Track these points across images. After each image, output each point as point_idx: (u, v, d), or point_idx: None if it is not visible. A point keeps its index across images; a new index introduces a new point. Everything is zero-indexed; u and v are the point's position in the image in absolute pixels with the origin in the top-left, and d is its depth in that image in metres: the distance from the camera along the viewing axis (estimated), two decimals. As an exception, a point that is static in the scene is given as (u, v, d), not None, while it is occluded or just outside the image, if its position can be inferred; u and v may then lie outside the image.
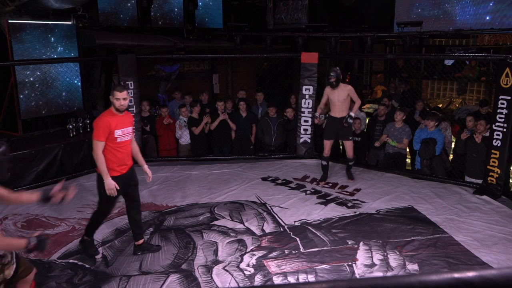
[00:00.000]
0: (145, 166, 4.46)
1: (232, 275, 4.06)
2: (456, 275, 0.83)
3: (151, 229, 4.97)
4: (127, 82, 7.21)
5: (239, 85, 10.85)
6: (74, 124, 7.12)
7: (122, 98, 4.07)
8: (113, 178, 4.09)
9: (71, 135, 7.05)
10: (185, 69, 10.58)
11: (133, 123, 4.34)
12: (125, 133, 4.16)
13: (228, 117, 7.48)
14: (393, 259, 4.30)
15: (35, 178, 6.38)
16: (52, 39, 7.45)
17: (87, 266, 4.25)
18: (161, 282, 3.96)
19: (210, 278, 4.02)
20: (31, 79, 7.24)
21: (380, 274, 4.07)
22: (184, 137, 7.54)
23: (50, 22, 7.44)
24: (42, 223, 5.16)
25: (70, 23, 7.55)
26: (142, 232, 4.57)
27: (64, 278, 4.03)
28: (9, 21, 6.91)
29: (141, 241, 4.50)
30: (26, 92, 7.16)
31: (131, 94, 7.21)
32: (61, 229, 5.03)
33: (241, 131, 7.65)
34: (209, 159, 7.57)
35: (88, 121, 7.34)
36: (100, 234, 4.80)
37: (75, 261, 4.32)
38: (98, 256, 4.41)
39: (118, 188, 4.10)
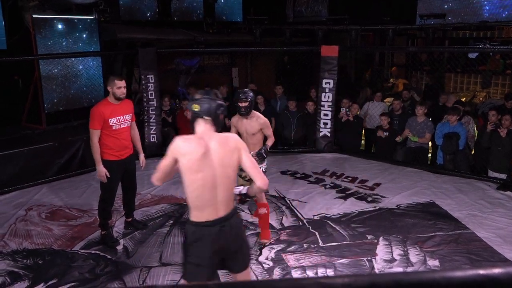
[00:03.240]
0: (142, 155, 4.68)
1: (251, 268, 4.07)
2: (482, 271, 0.81)
3: (171, 221, 5.03)
4: (147, 76, 7.27)
5: (259, 78, 10.83)
6: (96, 117, 7.21)
7: (123, 86, 4.30)
8: (113, 162, 4.34)
9: (93, 128, 7.14)
10: (205, 62, 10.60)
11: (132, 110, 4.51)
12: (120, 121, 4.35)
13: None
14: (414, 255, 4.25)
15: (58, 170, 6.50)
16: (75, 33, 7.56)
17: (108, 256, 4.32)
18: (181, 274, 4.00)
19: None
20: (55, 72, 7.36)
21: (400, 269, 4.03)
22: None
23: (72, 17, 7.55)
24: (65, 214, 5.27)
25: (92, 17, 7.64)
26: (131, 211, 4.90)
27: (86, 268, 4.11)
28: (33, 15, 7.03)
29: (129, 219, 4.89)
30: (50, 85, 7.29)
31: (152, 87, 7.27)
32: (83, 220, 5.12)
33: (260, 124, 7.63)
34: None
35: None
36: (122, 226, 4.88)
37: (97, 252, 4.39)
38: (120, 247, 4.48)
39: (108, 175, 4.31)
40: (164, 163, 2.55)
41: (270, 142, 4.66)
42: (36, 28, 7.03)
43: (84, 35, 7.69)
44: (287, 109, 7.63)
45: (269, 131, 4.64)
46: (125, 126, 4.41)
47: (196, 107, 2.64)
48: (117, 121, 4.32)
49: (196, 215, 2.53)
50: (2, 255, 4.27)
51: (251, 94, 4.58)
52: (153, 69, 7.32)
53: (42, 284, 3.84)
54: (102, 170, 4.30)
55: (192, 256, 2.58)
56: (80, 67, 7.69)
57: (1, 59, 6.53)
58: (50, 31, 7.23)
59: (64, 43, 7.41)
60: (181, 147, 2.49)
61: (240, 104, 4.51)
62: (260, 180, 2.59)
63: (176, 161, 2.50)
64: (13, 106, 7.49)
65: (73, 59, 7.54)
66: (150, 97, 7.31)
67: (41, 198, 5.70)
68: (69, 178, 6.44)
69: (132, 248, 4.47)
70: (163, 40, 8.84)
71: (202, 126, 2.60)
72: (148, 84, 7.30)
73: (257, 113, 4.67)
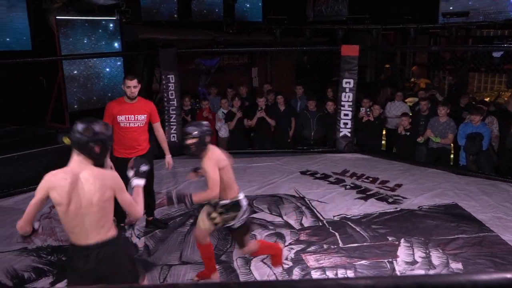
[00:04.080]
0: (168, 156, 4.69)
1: (271, 268, 4.07)
2: (509, 275, 0.79)
3: (191, 220, 5.06)
4: (168, 76, 7.34)
5: (278, 78, 10.82)
6: (117, 117, 7.33)
7: (132, 86, 4.35)
8: (118, 159, 4.35)
9: (115, 127, 7.26)
10: (225, 62, 10.64)
11: (149, 111, 4.52)
12: (129, 120, 4.41)
13: (267, 110, 7.46)
14: (436, 257, 4.19)
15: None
16: (97, 34, 7.68)
17: (130, 254, 4.37)
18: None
19: (248, 270, 4.06)
20: (77, 72, 7.50)
21: (421, 272, 3.97)
22: (223, 130, 7.61)
23: (95, 18, 7.67)
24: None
25: (114, 18, 7.75)
26: (151, 211, 4.91)
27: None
28: (57, 17, 7.18)
29: (150, 218, 4.91)
30: (73, 85, 7.43)
31: (172, 87, 7.33)
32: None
33: (279, 124, 7.63)
34: (248, 152, 7.60)
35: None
36: (143, 224, 4.94)
37: (119, 250, 4.45)
38: (141, 245, 4.54)
39: (112, 168, 4.29)
40: (34, 202, 2.55)
41: (201, 195, 3.44)
42: (59, 29, 7.17)
43: (106, 36, 7.81)
44: (307, 109, 7.61)
45: (210, 182, 3.34)
46: (135, 125, 4.44)
47: (66, 140, 2.71)
48: (125, 119, 4.39)
49: (71, 238, 2.65)
50: (28, 251, 4.37)
51: (199, 129, 3.40)
52: (173, 69, 7.38)
53: (65, 280, 3.92)
54: (107, 162, 4.27)
55: (68, 275, 2.84)
56: (102, 67, 7.82)
57: (26, 60, 6.69)
58: (73, 32, 7.37)
59: (86, 44, 7.54)
60: (51, 182, 2.52)
61: (188, 142, 3.45)
62: (132, 214, 2.74)
63: (47, 197, 2.54)
64: (37, 106, 7.66)
65: (95, 59, 7.67)
66: (170, 97, 7.38)
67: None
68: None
69: (153, 247, 4.52)
70: (184, 41, 8.91)
71: (75, 158, 2.58)
72: (169, 84, 7.37)
73: (208, 153, 3.47)
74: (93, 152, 2.56)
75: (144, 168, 2.89)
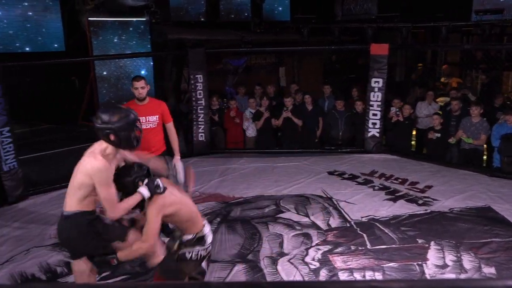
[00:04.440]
0: (176, 157, 4.58)
1: (297, 268, 4.06)
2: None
3: (218, 219, 5.10)
4: (196, 76, 7.41)
5: (306, 78, 10.77)
6: (147, 116, 7.45)
7: (140, 87, 4.34)
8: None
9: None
10: (252, 62, 10.67)
11: (161, 112, 4.49)
12: (141, 122, 4.30)
13: (294, 110, 7.43)
14: (468, 261, 4.08)
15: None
16: (128, 35, 7.83)
17: (158, 252, 4.43)
18: (228, 271, 4.06)
19: (275, 270, 4.06)
20: (108, 73, 7.67)
21: (452, 276, 3.88)
22: (251, 129, 7.62)
23: (126, 19, 7.82)
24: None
25: (144, 19, 7.88)
26: None
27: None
28: (89, 18, 7.36)
29: None
30: (104, 85, 7.59)
31: (200, 87, 7.40)
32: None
33: (306, 124, 7.59)
34: (275, 152, 7.60)
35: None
36: (171, 222, 4.99)
37: (148, 247, 4.52)
38: (169, 243, 4.59)
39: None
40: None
41: (130, 252, 2.89)
42: (91, 30, 7.35)
43: (136, 37, 7.95)
44: (335, 108, 7.54)
45: (146, 232, 2.82)
46: (147, 127, 4.34)
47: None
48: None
49: None
50: (60, 247, 4.48)
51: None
52: (202, 69, 7.45)
53: (96, 275, 4.00)
54: (124, 157, 4.42)
55: None
56: (132, 67, 7.96)
57: (60, 61, 6.88)
58: (105, 33, 7.53)
59: (117, 44, 7.70)
60: None
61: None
62: (106, 211, 2.77)
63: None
64: (70, 105, 7.88)
65: (125, 59, 7.81)
66: (198, 97, 7.45)
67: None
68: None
69: (180, 244, 4.57)
70: (212, 41, 8.98)
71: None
72: (197, 84, 7.44)
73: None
74: (107, 139, 2.78)
75: (159, 183, 2.80)
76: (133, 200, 2.79)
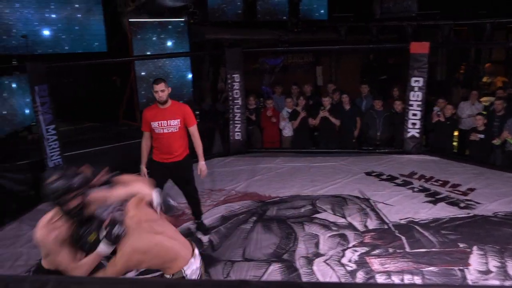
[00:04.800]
0: (201, 162, 4.48)
1: (333, 269, 4.02)
2: None
3: (254, 218, 5.11)
4: (233, 75, 7.47)
5: (343, 77, 10.64)
6: (184, 115, 7.57)
7: (159, 90, 4.22)
8: (157, 163, 4.41)
9: (182, 125, 7.51)
10: (288, 61, 10.64)
11: (183, 116, 4.33)
12: (163, 126, 4.29)
13: (331, 110, 7.36)
14: (513, 267, 3.92)
15: (150, 164, 6.91)
16: (167, 35, 7.99)
17: (195, 249, 4.50)
18: (263, 270, 4.07)
19: (311, 270, 4.03)
20: (147, 73, 7.84)
21: (496, 282, 3.73)
22: (287, 129, 7.61)
23: (165, 20, 7.98)
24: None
25: (182, 19, 8.02)
26: (196, 215, 4.83)
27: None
28: (130, 20, 7.55)
29: (197, 221, 4.85)
30: (143, 85, 7.77)
31: (237, 87, 7.44)
32: (172, 212, 5.37)
33: (344, 124, 7.49)
34: (312, 151, 7.55)
35: (197, 112, 7.74)
36: (208, 220, 5.06)
37: (185, 244, 4.59)
38: (205, 240, 4.65)
39: (146, 176, 4.37)
40: None
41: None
42: (132, 31, 7.54)
43: (175, 37, 8.09)
44: (373, 108, 7.41)
45: (109, 270, 2.55)
46: (169, 131, 4.30)
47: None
48: (158, 125, 4.28)
49: None
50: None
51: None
52: (238, 68, 7.49)
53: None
54: (142, 170, 4.46)
55: None
56: (171, 67, 8.12)
57: (102, 61, 7.10)
58: (145, 34, 7.71)
59: (156, 45, 7.86)
60: None
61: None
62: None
63: None
64: (112, 105, 8.11)
65: (164, 60, 7.97)
66: (235, 96, 7.50)
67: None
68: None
69: (217, 242, 4.63)
70: (249, 40, 9.02)
71: None
72: (234, 83, 7.49)
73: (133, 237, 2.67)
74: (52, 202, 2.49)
75: (118, 231, 2.44)
76: (92, 260, 2.49)
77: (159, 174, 4.34)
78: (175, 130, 4.32)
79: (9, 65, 6.61)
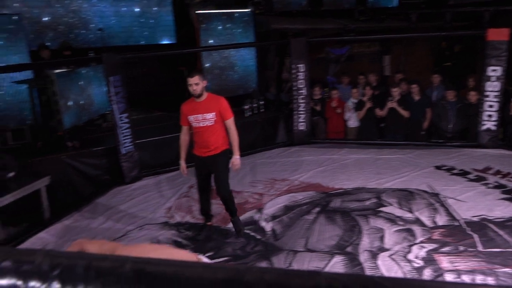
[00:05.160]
0: (235, 156, 4.36)
1: (399, 265, 3.91)
2: None
3: (318, 209, 5.08)
4: (298, 65, 7.42)
5: (413, 66, 10.21)
6: (249, 105, 7.66)
7: (193, 83, 4.11)
8: (196, 157, 4.38)
9: (246, 115, 7.60)
10: (354, 51, 10.38)
11: (217, 108, 4.22)
12: (198, 120, 4.22)
13: (399, 101, 7.10)
14: None
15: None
16: (232, 26, 8.09)
17: (258, 237, 4.57)
18: (326, 261, 4.04)
19: (375, 264, 3.95)
20: (213, 63, 8.00)
21: None
22: (352, 120, 7.45)
23: (231, 11, 8.08)
24: (220, 194, 5.70)
25: (248, 10, 8.08)
26: (229, 212, 4.60)
27: (238, 245, 4.42)
28: (197, 11, 7.73)
29: (231, 219, 4.62)
30: (210, 75, 7.94)
31: (302, 76, 7.39)
32: (236, 201, 5.44)
33: (412, 115, 7.20)
34: (378, 143, 7.34)
35: (262, 102, 7.80)
36: (271, 209, 5.10)
37: (248, 231, 4.67)
38: (268, 229, 4.70)
39: (185, 172, 4.47)
40: None
41: None
42: (199, 22, 7.71)
43: (241, 28, 8.18)
44: (445, 99, 7.05)
45: None
46: (204, 125, 4.23)
47: None
48: (194, 119, 4.24)
49: None
50: (169, 225, 4.84)
51: None
52: (303, 58, 7.43)
53: (201, 254, 4.25)
54: (181, 166, 4.48)
55: None
56: (237, 57, 8.22)
57: (171, 52, 7.35)
58: (211, 25, 7.86)
59: (223, 36, 7.99)
60: None
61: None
62: None
63: None
64: (179, 94, 8.37)
65: (229, 50, 8.09)
66: (300, 86, 7.46)
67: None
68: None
69: (279, 231, 4.66)
70: (314, 30, 8.90)
71: None
72: (298, 73, 7.44)
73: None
74: None
75: None
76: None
77: (199, 168, 4.43)
78: (210, 124, 4.23)
79: (87, 56, 7.03)
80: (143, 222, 5.01)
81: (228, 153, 4.40)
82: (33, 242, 4.66)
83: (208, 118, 4.21)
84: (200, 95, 4.20)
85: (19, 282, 0.63)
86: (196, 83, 4.13)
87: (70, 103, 6.08)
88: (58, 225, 5.03)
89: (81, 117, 6.42)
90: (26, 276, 0.63)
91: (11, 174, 4.95)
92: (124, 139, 6.10)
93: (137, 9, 7.79)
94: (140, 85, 7.84)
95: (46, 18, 7.35)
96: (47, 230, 4.93)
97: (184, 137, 4.45)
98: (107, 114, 6.83)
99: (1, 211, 4.70)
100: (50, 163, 5.66)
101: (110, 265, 0.62)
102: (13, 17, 6.37)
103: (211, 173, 4.44)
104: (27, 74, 6.44)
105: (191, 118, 4.26)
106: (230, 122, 4.32)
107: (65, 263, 0.63)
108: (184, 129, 4.42)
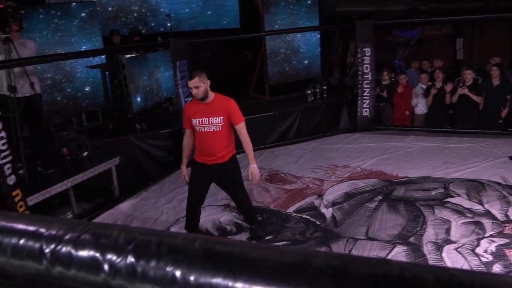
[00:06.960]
0: (252, 166, 3.95)
1: (466, 259, 3.74)
2: None
3: (380, 197, 4.97)
4: (364, 49, 7.21)
5: (488, 49, 9.57)
6: (312, 90, 7.59)
7: (193, 87, 3.65)
8: (198, 164, 3.93)
9: (309, 100, 7.54)
10: (425, 33, 9.90)
11: (225, 112, 3.76)
12: (203, 124, 3.75)
13: (473, 86, 6.69)
14: None
15: (277, 137, 7.11)
16: (297, 9, 8.00)
17: (318, 223, 4.56)
18: (387, 251, 3.96)
19: (439, 256, 3.81)
20: (277, 47, 7.98)
21: None
22: (420, 106, 7.15)
23: (295, -6, 7.98)
24: (281, 179, 5.75)
25: (313, -7, 7.94)
26: (248, 221, 4.36)
27: (297, 230, 4.44)
28: (263, -4, 7.72)
29: (250, 226, 4.38)
30: (273, 59, 7.94)
31: (368, 61, 7.18)
32: (297, 186, 5.50)
33: (490, 101, 6.69)
34: (446, 131, 6.99)
35: (325, 87, 7.70)
36: (331, 195, 5.07)
37: (308, 217, 4.68)
38: (328, 216, 4.68)
39: (186, 178, 4.00)
40: None
41: None
42: (264, 7, 7.70)
43: (305, 11, 8.06)
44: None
45: None
46: (210, 130, 3.76)
47: None
48: (199, 122, 3.76)
49: None
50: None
51: None
52: (370, 41, 7.20)
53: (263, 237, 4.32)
54: (182, 171, 4.04)
55: None
56: (301, 41, 8.14)
57: (235, 37, 7.42)
58: (276, 9, 7.82)
59: (287, 20, 7.93)
60: None
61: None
62: None
63: None
64: (243, 78, 8.47)
65: (293, 34, 8.02)
66: (365, 71, 7.25)
67: (262, 162, 6.33)
68: (285, 145, 6.97)
69: (339, 218, 4.62)
70: (381, 12, 8.59)
71: None
72: (364, 58, 7.24)
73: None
74: None
75: None
76: None
77: (201, 177, 3.95)
78: (217, 129, 3.76)
79: (155, 42, 7.27)
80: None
81: (236, 160, 4.02)
82: (103, 218, 4.97)
83: (215, 123, 3.76)
84: (205, 98, 3.74)
85: (97, 254, 0.68)
86: (196, 86, 3.66)
87: (139, 86, 6.35)
88: (126, 203, 5.32)
89: (149, 101, 6.68)
90: (103, 249, 0.68)
91: (85, 154, 5.29)
92: (189, 123, 6.26)
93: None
94: (205, 69, 8.00)
95: (116, 6, 7.67)
96: (116, 207, 5.23)
97: (187, 141, 3.99)
98: (173, 98, 7.05)
99: (76, 188, 5.05)
100: (120, 144, 5.96)
101: (181, 242, 0.66)
102: (87, 6, 6.71)
103: (216, 183, 4.10)
104: (101, 60, 6.80)
105: (195, 121, 3.78)
106: (241, 127, 3.86)
107: (139, 238, 0.67)
108: (187, 132, 3.96)
